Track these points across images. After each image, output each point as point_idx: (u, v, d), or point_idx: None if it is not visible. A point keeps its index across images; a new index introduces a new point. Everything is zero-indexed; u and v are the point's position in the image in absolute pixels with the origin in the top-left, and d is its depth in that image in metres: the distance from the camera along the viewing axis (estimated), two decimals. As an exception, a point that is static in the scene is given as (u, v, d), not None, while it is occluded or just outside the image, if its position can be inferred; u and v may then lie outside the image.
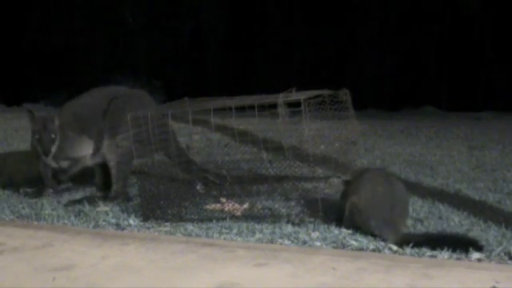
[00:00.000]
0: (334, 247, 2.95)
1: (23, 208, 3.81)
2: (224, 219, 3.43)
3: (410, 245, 2.86)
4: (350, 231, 3.14)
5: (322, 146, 4.15)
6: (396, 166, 5.26)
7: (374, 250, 2.88)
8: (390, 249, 2.88)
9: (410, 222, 3.35)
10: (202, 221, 3.43)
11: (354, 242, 2.97)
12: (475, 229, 3.16)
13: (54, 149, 3.92)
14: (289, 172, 4.25)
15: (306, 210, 3.52)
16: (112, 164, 4.05)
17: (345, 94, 3.87)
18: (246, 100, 3.64)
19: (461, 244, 2.85)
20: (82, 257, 2.80)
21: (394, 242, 2.94)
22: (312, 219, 3.36)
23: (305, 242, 3.01)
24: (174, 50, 19.93)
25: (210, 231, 3.23)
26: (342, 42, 19.31)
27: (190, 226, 3.34)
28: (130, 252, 2.88)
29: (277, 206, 3.69)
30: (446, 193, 4.12)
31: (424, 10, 18.72)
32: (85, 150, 4.07)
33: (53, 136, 3.92)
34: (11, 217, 3.65)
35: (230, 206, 3.64)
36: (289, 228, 3.23)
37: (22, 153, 4.93)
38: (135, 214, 3.59)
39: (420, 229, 3.19)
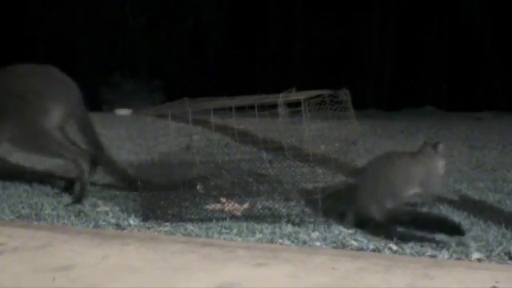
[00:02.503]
0: (334, 247, 2.95)
1: (23, 208, 3.80)
2: (224, 219, 3.43)
3: (410, 244, 2.87)
4: (350, 231, 3.15)
5: (322, 146, 4.14)
6: (396, 166, 5.25)
7: (374, 250, 2.88)
8: (390, 249, 2.88)
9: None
10: (202, 221, 3.43)
11: (354, 242, 2.97)
12: (475, 229, 3.16)
13: None
14: (289, 172, 4.25)
15: (305, 209, 3.52)
16: (30, 152, 4.17)
17: (345, 94, 3.87)
18: (246, 100, 3.64)
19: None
20: (82, 257, 2.80)
21: (380, 218, 3.08)
22: (312, 219, 3.36)
23: (305, 242, 3.01)
24: (174, 50, 19.93)
25: (210, 231, 3.23)
26: (342, 42, 19.32)
27: (190, 226, 3.34)
28: (130, 252, 2.88)
29: (277, 206, 3.69)
30: (446, 193, 4.12)
31: (424, 9, 18.73)
32: None
33: None
34: (11, 217, 3.65)
35: (230, 205, 3.64)
36: (289, 228, 3.23)
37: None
38: (135, 214, 3.59)
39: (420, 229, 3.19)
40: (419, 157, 3.50)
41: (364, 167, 3.51)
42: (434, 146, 3.55)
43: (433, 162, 3.52)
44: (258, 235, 3.13)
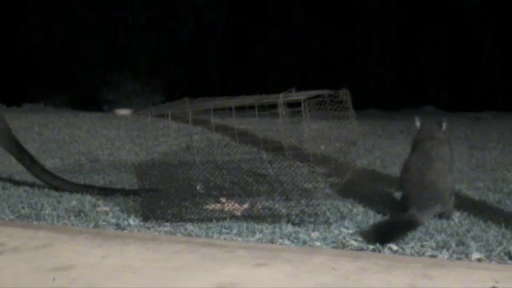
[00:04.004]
0: (333, 247, 2.95)
1: (23, 208, 3.80)
2: (224, 219, 3.43)
3: (410, 245, 2.87)
4: (350, 231, 3.15)
5: (322, 146, 4.15)
6: (396, 166, 5.25)
7: (374, 250, 2.88)
8: (390, 249, 2.88)
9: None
10: (202, 221, 3.43)
11: (353, 242, 2.97)
12: (475, 229, 3.16)
13: None
14: (289, 172, 4.25)
15: (305, 209, 3.52)
16: None
17: (345, 94, 3.87)
18: (246, 100, 3.64)
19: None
20: (82, 257, 2.80)
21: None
22: (312, 219, 3.36)
23: (305, 242, 3.01)
24: (174, 50, 19.92)
25: (209, 231, 3.23)
26: (342, 42, 19.32)
27: (190, 226, 3.34)
28: (129, 252, 2.88)
29: (277, 206, 3.69)
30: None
31: (424, 9, 18.73)
32: None
33: None
34: (11, 217, 3.65)
35: (229, 206, 3.64)
36: (289, 228, 3.23)
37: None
38: (135, 214, 3.59)
39: (420, 229, 3.19)
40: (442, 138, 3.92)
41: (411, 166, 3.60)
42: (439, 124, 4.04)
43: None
44: (258, 235, 3.13)
